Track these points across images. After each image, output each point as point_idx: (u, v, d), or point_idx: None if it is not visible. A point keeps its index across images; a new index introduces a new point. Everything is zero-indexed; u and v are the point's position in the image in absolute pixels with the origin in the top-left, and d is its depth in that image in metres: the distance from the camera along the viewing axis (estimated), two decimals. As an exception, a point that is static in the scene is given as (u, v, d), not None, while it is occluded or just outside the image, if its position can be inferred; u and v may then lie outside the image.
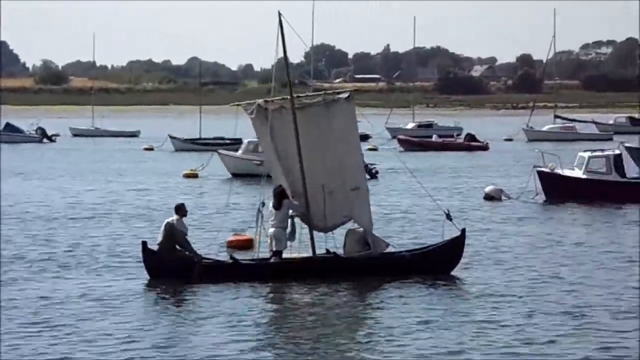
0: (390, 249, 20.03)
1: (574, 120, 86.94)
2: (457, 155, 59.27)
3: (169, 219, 19.39)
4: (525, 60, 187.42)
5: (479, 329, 15.72)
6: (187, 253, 19.18)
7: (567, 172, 34.37)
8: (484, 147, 65.02)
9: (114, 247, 23.92)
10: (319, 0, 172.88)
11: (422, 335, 15.34)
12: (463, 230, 20.02)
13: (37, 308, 17.26)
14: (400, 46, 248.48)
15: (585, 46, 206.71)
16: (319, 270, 19.38)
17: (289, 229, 19.80)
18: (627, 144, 43.83)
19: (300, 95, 20.72)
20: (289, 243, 19.81)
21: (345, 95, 20.01)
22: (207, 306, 17.31)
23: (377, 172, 44.00)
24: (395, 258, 19.76)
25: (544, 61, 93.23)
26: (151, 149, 66.03)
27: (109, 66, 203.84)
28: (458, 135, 71.50)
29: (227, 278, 18.99)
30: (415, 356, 14.29)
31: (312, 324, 16.10)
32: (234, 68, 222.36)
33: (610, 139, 70.68)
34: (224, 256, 20.66)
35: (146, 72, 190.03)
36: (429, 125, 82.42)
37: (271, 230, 19.68)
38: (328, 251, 20.02)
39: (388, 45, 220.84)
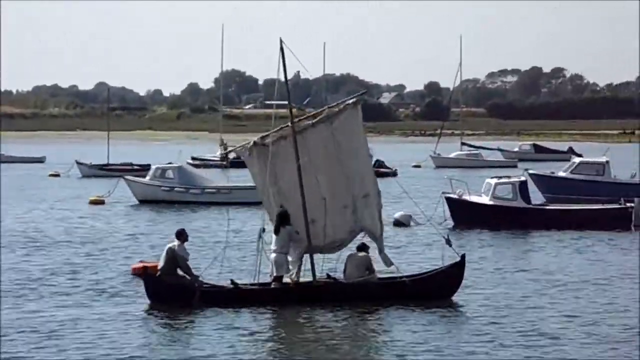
0: (392, 268, 20.04)
1: (480, 147, 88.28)
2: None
3: (171, 244, 19.48)
4: (432, 87, 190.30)
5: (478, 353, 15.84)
6: (188, 278, 19.23)
7: (474, 198, 34.81)
8: (393, 174, 65.53)
9: (75, 272, 23.66)
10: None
11: None
12: (463, 256, 20.16)
13: (45, 333, 17.22)
14: (310, 72, 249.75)
15: (490, 74, 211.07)
16: (319, 295, 19.36)
17: (295, 259, 19.75)
18: (531, 171, 44.66)
19: (301, 117, 20.62)
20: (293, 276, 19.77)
21: (353, 100, 20.01)
22: (206, 331, 17.37)
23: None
24: (396, 284, 19.76)
25: (451, 89, 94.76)
26: (57, 175, 64.81)
27: (14, 91, 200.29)
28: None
29: (227, 303, 19.01)
30: None
31: (311, 349, 16.19)
32: (142, 93, 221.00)
33: (515, 166, 71.97)
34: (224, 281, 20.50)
35: (52, 97, 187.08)
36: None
37: (272, 255, 19.67)
38: (329, 276, 20.08)
39: (298, 71, 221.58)
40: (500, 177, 35.66)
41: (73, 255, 27.00)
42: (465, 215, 34.05)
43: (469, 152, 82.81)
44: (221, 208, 40.79)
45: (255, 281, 19.78)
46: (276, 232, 19.66)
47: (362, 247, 20.04)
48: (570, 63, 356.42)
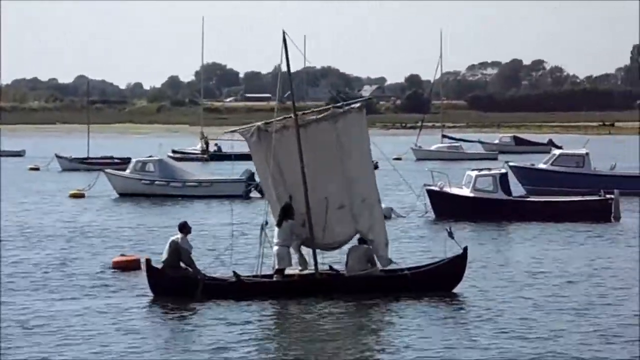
0: (392, 266, 20.08)
1: (460, 139, 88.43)
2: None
3: (174, 237, 19.47)
4: (413, 80, 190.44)
5: (480, 346, 15.90)
6: (191, 271, 19.26)
7: (455, 191, 34.86)
8: (374, 166, 65.47)
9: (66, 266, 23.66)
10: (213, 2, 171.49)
11: (424, 354, 15.49)
12: (465, 248, 20.19)
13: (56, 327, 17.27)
14: (291, 65, 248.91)
15: (471, 67, 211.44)
16: (321, 288, 19.38)
17: (297, 254, 19.81)
18: (511, 163, 44.77)
19: (306, 112, 20.62)
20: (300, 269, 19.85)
21: (358, 105, 20.01)
22: (209, 323, 17.36)
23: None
24: (398, 277, 19.77)
25: (432, 81, 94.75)
26: (37, 169, 64.45)
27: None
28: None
29: (230, 295, 19.04)
30: None
31: (312, 341, 16.23)
32: (122, 86, 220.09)
33: (496, 159, 72.14)
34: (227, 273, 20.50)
35: (32, 91, 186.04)
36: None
37: (275, 248, 19.71)
38: (331, 267, 20.15)
39: (279, 64, 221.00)
40: (480, 170, 35.73)
41: (54, 249, 26.88)
42: (446, 208, 34.11)
43: (449, 145, 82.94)
44: (203, 201, 40.78)
45: (258, 273, 19.79)
46: (279, 224, 19.66)
47: (364, 240, 20.07)
48: (550, 55, 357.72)
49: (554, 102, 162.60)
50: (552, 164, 44.18)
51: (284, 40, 19.94)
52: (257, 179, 44.78)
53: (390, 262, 20.02)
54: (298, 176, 19.69)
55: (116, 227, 32.35)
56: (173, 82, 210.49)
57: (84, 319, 17.99)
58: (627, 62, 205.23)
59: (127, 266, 23.21)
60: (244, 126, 20.87)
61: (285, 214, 19.64)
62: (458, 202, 34.17)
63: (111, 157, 64.51)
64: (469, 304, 19.25)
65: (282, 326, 17.63)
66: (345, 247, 20.23)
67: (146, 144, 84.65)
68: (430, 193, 34.82)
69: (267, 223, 19.91)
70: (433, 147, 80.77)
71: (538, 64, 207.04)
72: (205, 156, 77.56)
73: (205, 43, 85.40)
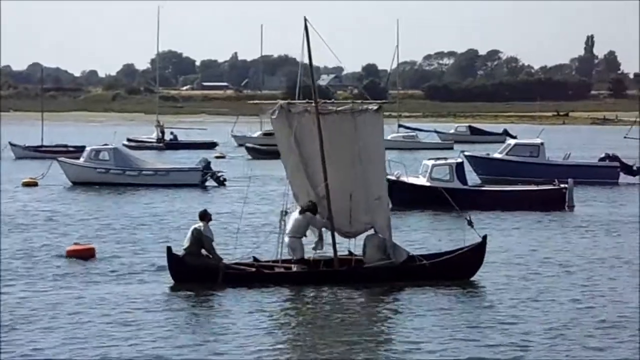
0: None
1: (416, 129, 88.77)
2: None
3: (196, 225, 19.63)
4: (370, 70, 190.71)
5: (497, 333, 16.03)
6: (212, 258, 19.46)
7: (412, 180, 34.98)
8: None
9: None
10: (165, 0, 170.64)
11: (444, 340, 15.62)
12: (484, 237, 20.34)
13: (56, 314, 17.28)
14: (248, 54, 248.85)
15: (427, 57, 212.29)
16: (340, 277, 19.55)
17: (316, 238, 20.02)
18: (467, 153, 45.02)
19: (327, 101, 20.85)
20: (318, 250, 20.07)
21: (375, 107, 20.12)
22: (230, 311, 17.55)
23: (225, 180, 43.77)
24: (417, 266, 19.87)
25: (389, 71, 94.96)
26: (-10, 157, 63.60)
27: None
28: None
29: (250, 283, 19.25)
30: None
31: (331, 328, 16.43)
32: (77, 74, 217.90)
33: (451, 148, 72.53)
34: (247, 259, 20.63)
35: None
36: (273, 134, 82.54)
37: (286, 239, 19.84)
38: (350, 253, 20.29)
39: (236, 53, 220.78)
40: (437, 159, 35.88)
41: (5, 238, 26.52)
42: (403, 197, 34.22)
43: (406, 134, 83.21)
44: (159, 189, 40.51)
45: (278, 258, 20.00)
46: (301, 212, 19.77)
47: None
48: (506, 46, 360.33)
49: (509, 92, 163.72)
50: (507, 154, 44.51)
51: (305, 28, 19.95)
52: (213, 167, 44.89)
53: (408, 254, 20.13)
54: (318, 161, 19.91)
55: (69, 215, 32.04)
56: (128, 70, 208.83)
57: (102, 304, 18.12)
58: (581, 52, 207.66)
59: (81, 255, 23.00)
60: (269, 101, 21.10)
61: (309, 208, 19.82)
62: (414, 191, 34.29)
63: (65, 146, 63.88)
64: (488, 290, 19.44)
65: (300, 314, 17.73)
66: (362, 236, 20.33)
67: (101, 133, 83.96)
68: (387, 182, 34.85)
69: (286, 212, 20.08)
70: (389, 137, 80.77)
71: (493, 54, 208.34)
72: (161, 144, 77.11)
73: (161, 31, 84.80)
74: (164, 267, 20.63)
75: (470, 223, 20.35)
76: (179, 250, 19.72)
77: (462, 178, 34.57)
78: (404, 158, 47.11)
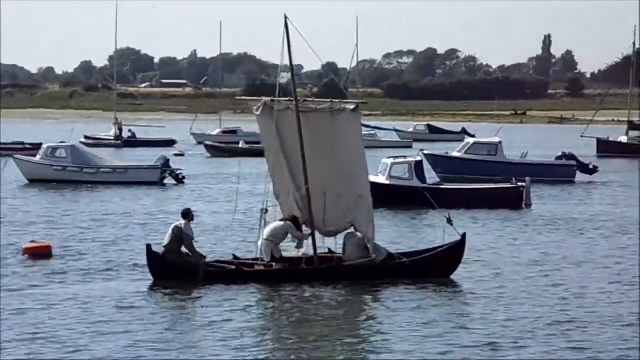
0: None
1: (376, 127, 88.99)
2: (263, 161, 59.41)
3: (177, 223, 19.72)
4: (330, 68, 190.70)
5: (475, 331, 16.10)
6: (192, 256, 19.46)
7: (371, 178, 34.95)
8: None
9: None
10: (122, 1, 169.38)
11: (424, 339, 15.70)
12: (464, 235, 20.38)
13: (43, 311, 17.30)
14: (207, 52, 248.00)
15: (387, 55, 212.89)
16: (321, 276, 19.62)
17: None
18: (426, 151, 45.20)
19: (307, 99, 20.98)
20: (302, 250, 20.12)
21: (352, 106, 20.19)
22: (209, 308, 17.60)
23: (184, 178, 43.59)
24: (397, 265, 19.91)
25: (348, 69, 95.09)
26: (-55, 154, 62.77)
27: None
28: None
29: (230, 281, 19.32)
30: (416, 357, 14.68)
31: (310, 326, 16.53)
32: (33, 71, 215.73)
33: (410, 147, 72.80)
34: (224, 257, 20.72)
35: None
36: (234, 132, 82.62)
37: (261, 241, 19.87)
38: (330, 250, 20.31)
39: (195, 50, 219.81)
40: (396, 157, 35.97)
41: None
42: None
43: (365, 133, 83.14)
44: (117, 187, 40.23)
45: (258, 257, 20.06)
46: (282, 220, 19.91)
47: None
48: (464, 45, 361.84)
49: (467, 91, 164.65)
50: (465, 152, 44.76)
51: (286, 25, 20.06)
52: (171, 165, 44.66)
53: (386, 252, 20.18)
54: (299, 158, 20.04)
55: (26, 213, 31.71)
56: (86, 67, 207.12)
57: (81, 302, 18.12)
58: (539, 52, 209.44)
59: (37, 252, 22.79)
60: (253, 98, 21.33)
61: (292, 220, 19.90)
62: (374, 189, 34.24)
63: (22, 143, 63.22)
64: (467, 288, 19.57)
65: (279, 312, 17.75)
66: (341, 235, 20.41)
67: (58, 130, 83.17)
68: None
69: (266, 211, 20.14)
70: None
71: (452, 53, 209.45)
72: (118, 142, 76.62)
73: (119, 28, 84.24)
74: (128, 265, 20.54)
75: (449, 221, 20.38)
76: (158, 248, 19.75)
77: (421, 176, 34.70)
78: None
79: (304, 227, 20.24)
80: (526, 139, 77.42)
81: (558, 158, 46.66)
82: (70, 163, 42.30)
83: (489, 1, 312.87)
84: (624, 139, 70.11)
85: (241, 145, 68.47)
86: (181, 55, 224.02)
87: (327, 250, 20.41)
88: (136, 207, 33.93)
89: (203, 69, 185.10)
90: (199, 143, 74.90)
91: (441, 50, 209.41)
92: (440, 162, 44.81)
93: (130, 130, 79.79)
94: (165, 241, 19.71)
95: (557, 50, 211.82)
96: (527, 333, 16.22)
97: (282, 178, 20.36)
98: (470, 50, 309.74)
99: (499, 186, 35.53)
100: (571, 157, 46.38)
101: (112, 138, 78.19)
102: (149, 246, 19.71)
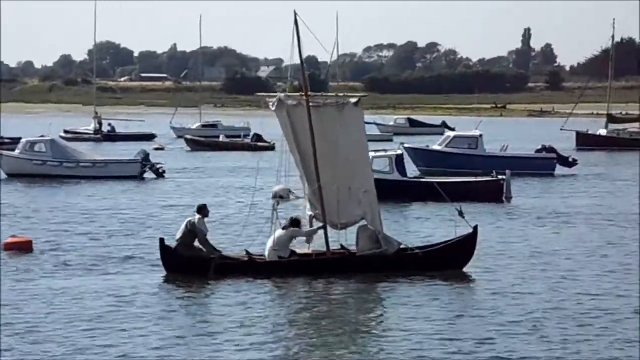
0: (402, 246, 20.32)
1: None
2: (243, 155, 59.50)
3: (191, 218, 19.79)
4: (310, 61, 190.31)
5: (489, 324, 16.11)
6: (204, 250, 19.48)
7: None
8: (271, 147, 65.58)
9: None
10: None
11: (436, 330, 15.73)
12: (475, 227, 20.43)
13: (54, 303, 17.44)
14: (187, 45, 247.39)
15: (367, 49, 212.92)
16: (333, 267, 19.67)
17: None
18: (406, 145, 45.26)
19: (316, 94, 21.12)
20: (310, 245, 20.16)
21: (354, 100, 20.39)
22: (222, 302, 17.65)
23: (164, 172, 43.48)
24: (409, 256, 20.03)
25: (328, 63, 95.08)
26: None
27: None
28: (246, 135, 71.77)
29: (242, 273, 19.40)
30: (425, 350, 14.68)
31: (322, 319, 16.54)
32: (12, 65, 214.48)
33: (391, 140, 72.89)
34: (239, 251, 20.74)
35: None
36: (214, 125, 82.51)
37: (267, 251, 19.93)
38: (342, 246, 20.33)
39: (175, 44, 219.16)
40: (376, 151, 36.01)
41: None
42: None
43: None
44: (97, 181, 40.08)
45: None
46: (284, 227, 20.06)
47: None
48: (444, 38, 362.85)
49: (447, 84, 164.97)
50: (446, 146, 44.85)
51: (295, 22, 20.23)
52: (151, 159, 44.52)
53: (399, 244, 20.32)
54: (312, 153, 20.28)
55: (5, 208, 31.55)
56: (65, 60, 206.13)
57: (94, 295, 18.18)
58: (519, 45, 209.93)
59: (19, 247, 22.68)
60: (269, 93, 21.62)
61: (292, 223, 20.05)
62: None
63: (0, 137, 62.88)
64: (479, 281, 19.59)
65: (293, 305, 17.78)
66: (355, 227, 20.47)
67: (38, 124, 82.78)
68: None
69: (278, 202, 20.54)
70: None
71: (432, 46, 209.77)
72: (98, 136, 76.31)
73: (98, 21, 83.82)
74: (118, 258, 20.56)
75: (460, 213, 20.40)
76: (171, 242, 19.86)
77: (402, 170, 34.76)
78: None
79: (314, 221, 20.43)
80: (506, 132, 77.65)
81: (538, 151, 46.83)
82: (49, 157, 42.10)
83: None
84: (603, 131, 70.44)
85: (221, 138, 68.40)
86: (161, 48, 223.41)
87: (339, 247, 20.40)
88: (116, 201, 33.83)
89: (183, 63, 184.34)
90: (179, 137, 74.73)
91: (421, 44, 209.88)
92: (420, 156, 44.89)
93: (109, 124, 79.49)
94: (178, 235, 19.77)
95: (536, 44, 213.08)
96: (541, 324, 16.28)
97: (300, 172, 20.72)
98: (450, 43, 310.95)
99: (479, 179, 35.64)
100: (551, 149, 46.56)
101: (91, 132, 77.87)
102: (161, 239, 19.88)
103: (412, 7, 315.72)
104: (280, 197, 34.78)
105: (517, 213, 31.46)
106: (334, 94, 21.20)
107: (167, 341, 15.17)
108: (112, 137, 76.08)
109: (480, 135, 45.05)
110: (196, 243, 19.66)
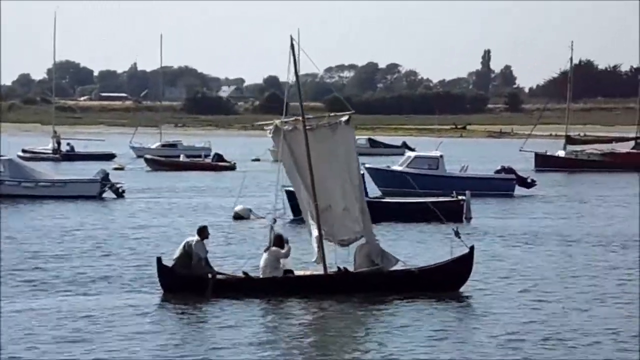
0: (399, 265, 20.36)
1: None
2: (204, 175, 59.32)
3: (189, 239, 19.80)
4: (271, 82, 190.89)
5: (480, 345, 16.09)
6: (201, 270, 19.40)
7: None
8: (231, 167, 65.40)
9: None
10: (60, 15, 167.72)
11: (433, 350, 15.67)
12: (472, 248, 20.41)
13: (41, 322, 17.45)
14: (148, 65, 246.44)
15: (328, 69, 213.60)
16: (329, 286, 19.81)
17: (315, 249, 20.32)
18: (367, 165, 45.36)
19: (310, 117, 21.25)
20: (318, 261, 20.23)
21: (344, 118, 20.59)
22: (218, 321, 17.72)
23: (123, 191, 43.20)
24: (405, 274, 20.03)
25: (289, 83, 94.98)
26: None
27: None
28: (207, 155, 71.58)
29: (239, 292, 19.43)
30: None
31: (320, 339, 16.66)
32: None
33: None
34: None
35: None
36: (174, 145, 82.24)
37: (260, 274, 19.94)
38: (339, 269, 20.31)
39: (135, 63, 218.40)
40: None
41: None
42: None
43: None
44: (56, 201, 39.71)
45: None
46: (266, 249, 20.07)
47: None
48: (405, 59, 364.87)
49: (408, 105, 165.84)
50: (407, 166, 45.01)
51: (292, 46, 20.47)
52: (111, 178, 44.23)
53: (397, 261, 20.38)
54: (313, 175, 20.48)
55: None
56: (24, 79, 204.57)
57: (90, 314, 18.18)
58: (479, 66, 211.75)
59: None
60: (267, 122, 21.84)
61: (275, 242, 20.01)
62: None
63: (-42, 156, 62.10)
64: (475, 302, 19.62)
65: (288, 324, 17.76)
66: (352, 247, 20.57)
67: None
68: (289, 194, 34.87)
69: (275, 221, 20.64)
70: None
71: (393, 67, 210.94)
72: (57, 156, 75.70)
73: (57, 40, 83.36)
74: (82, 280, 20.46)
75: (457, 234, 20.38)
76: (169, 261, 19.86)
77: (363, 190, 34.75)
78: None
79: (324, 242, 20.49)
80: (466, 153, 78.15)
81: (497, 172, 47.15)
82: (7, 177, 41.63)
83: (430, 17, 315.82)
84: (561, 153, 71.08)
85: (182, 158, 68.12)
86: (121, 68, 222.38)
87: (336, 269, 20.38)
88: (75, 221, 33.53)
89: (143, 82, 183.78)
90: (139, 156, 74.34)
91: (382, 65, 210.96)
92: (381, 176, 44.99)
93: (68, 144, 78.92)
94: (175, 254, 19.78)
95: (496, 65, 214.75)
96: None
97: (302, 193, 20.88)
98: (411, 64, 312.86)
99: (439, 200, 35.77)
100: (510, 170, 46.90)
101: (50, 151, 77.24)
102: (159, 259, 19.86)
103: (373, 28, 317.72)
104: (241, 217, 34.96)
105: (478, 233, 31.59)
106: (326, 114, 21.44)
107: (157, 357, 15.16)
108: (71, 156, 75.51)
109: (441, 156, 45.28)
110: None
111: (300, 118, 20.64)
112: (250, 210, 35.62)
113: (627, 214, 38.08)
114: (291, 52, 20.47)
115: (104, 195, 42.27)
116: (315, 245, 20.46)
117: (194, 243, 19.56)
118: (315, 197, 20.41)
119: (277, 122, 20.96)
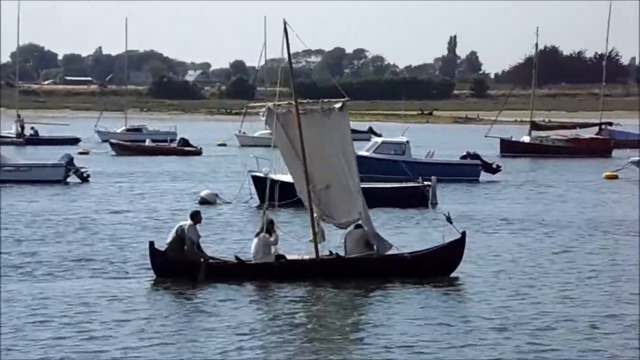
0: (393, 250, 20.35)
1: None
2: (170, 160, 59.09)
3: (182, 223, 19.69)
4: (238, 66, 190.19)
5: (475, 330, 16.07)
6: (194, 255, 19.33)
7: (280, 177, 34.97)
8: (197, 152, 65.20)
9: None
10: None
11: (422, 337, 15.67)
12: (463, 233, 20.48)
13: (41, 305, 17.39)
14: (113, 49, 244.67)
15: (295, 54, 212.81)
16: (321, 271, 19.80)
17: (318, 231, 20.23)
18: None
19: (302, 101, 21.20)
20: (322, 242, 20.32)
21: (339, 105, 20.58)
22: (211, 305, 17.68)
23: (88, 176, 42.93)
24: (397, 259, 20.05)
25: (256, 68, 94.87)
26: None
27: None
28: (172, 140, 71.28)
29: (231, 277, 19.41)
30: (411, 354, 14.66)
31: (311, 323, 16.69)
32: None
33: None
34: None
35: None
36: (139, 130, 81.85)
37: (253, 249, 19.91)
38: (331, 253, 20.35)
39: (100, 47, 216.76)
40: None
41: None
42: (271, 193, 34.16)
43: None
44: (21, 186, 39.39)
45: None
46: (256, 235, 20.07)
47: (359, 225, 20.46)
48: (372, 45, 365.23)
49: (375, 90, 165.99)
50: (374, 152, 45.08)
51: (285, 30, 20.50)
52: (76, 163, 43.92)
53: (391, 246, 20.40)
54: (310, 158, 20.53)
55: None
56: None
57: (84, 298, 18.11)
58: (445, 52, 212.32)
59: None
60: (259, 103, 21.87)
61: (266, 227, 19.99)
62: (282, 188, 34.27)
63: None
64: (467, 286, 19.68)
65: (280, 309, 17.70)
66: (342, 232, 20.61)
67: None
68: (255, 179, 34.83)
69: (267, 207, 20.70)
70: (257, 134, 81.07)
71: (360, 52, 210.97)
72: (20, 140, 75.05)
73: (21, 24, 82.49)
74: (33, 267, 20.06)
75: (449, 219, 20.38)
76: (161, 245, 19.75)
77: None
78: (272, 155, 47.15)
79: (321, 223, 20.58)
80: (432, 139, 78.40)
81: (463, 157, 47.35)
82: (-29, 162, 41.23)
83: (396, 1, 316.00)
84: (526, 138, 71.53)
85: (147, 143, 67.81)
86: (86, 52, 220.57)
87: (328, 253, 20.43)
88: (39, 206, 33.28)
89: (108, 66, 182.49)
90: (104, 141, 73.92)
91: (349, 50, 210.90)
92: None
93: (32, 128, 78.27)
94: (168, 239, 19.67)
95: (462, 51, 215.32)
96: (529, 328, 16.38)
97: (298, 175, 20.91)
98: (378, 50, 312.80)
99: (404, 185, 35.88)
100: (475, 156, 47.13)
101: (13, 136, 76.55)
102: (151, 243, 19.80)
103: (341, 13, 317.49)
104: (207, 202, 34.85)
105: (443, 219, 31.63)
106: (319, 100, 21.41)
107: (151, 342, 15.15)
108: (35, 141, 74.89)
109: (408, 142, 45.39)
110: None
111: (294, 102, 20.69)
112: (216, 195, 35.54)
113: (591, 199, 38.50)
114: (284, 36, 20.62)
115: (69, 179, 41.99)
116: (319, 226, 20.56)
117: (187, 227, 19.44)
118: (308, 179, 20.48)
119: (270, 104, 21.01)
